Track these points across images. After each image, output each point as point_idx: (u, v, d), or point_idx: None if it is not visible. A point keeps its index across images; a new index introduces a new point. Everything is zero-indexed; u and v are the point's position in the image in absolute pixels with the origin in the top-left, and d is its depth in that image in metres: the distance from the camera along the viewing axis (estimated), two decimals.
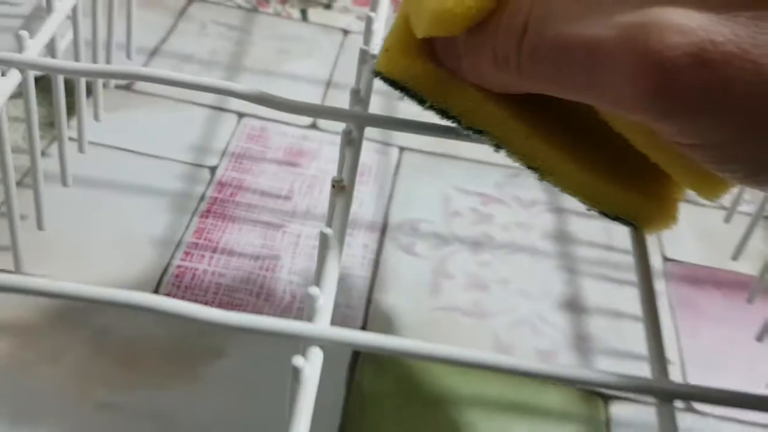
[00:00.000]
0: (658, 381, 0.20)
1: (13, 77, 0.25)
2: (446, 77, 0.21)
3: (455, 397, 0.29)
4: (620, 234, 0.36)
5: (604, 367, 0.30)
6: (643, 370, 0.21)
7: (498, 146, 0.22)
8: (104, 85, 0.37)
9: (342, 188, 0.22)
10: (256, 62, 0.42)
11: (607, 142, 0.21)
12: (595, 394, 0.30)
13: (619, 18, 0.17)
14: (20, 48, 0.25)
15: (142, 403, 0.27)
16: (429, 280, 0.33)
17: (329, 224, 0.22)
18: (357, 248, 0.34)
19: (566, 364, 0.30)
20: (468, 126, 0.22)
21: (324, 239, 0.21)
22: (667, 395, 0.20)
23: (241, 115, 0.39)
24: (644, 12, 0.16)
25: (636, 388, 0.20)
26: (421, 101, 0.22)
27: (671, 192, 0.22)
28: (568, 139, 0.22)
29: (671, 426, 0.19)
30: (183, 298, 0.30)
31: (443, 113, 0.22)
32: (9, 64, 0.25)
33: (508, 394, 0.29)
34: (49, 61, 0.25)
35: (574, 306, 0.33)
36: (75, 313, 0.29)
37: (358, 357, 0.30)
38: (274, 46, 0.44)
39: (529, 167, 0.22)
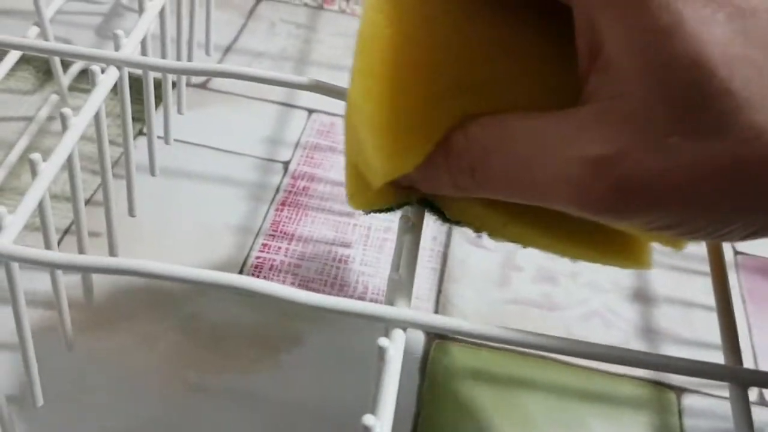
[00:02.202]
0: (732, 368, 0.20)
1: (112, 74, 0.26)
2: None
3: (529, 386, 0.30)
4: None
5: None
6: (715, 361, 0.21)
7: (478, 232, 0.23)
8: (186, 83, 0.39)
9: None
10: (324, 58, 0.43)
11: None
12: (668, 386, 0.30)
13: (556, 152, 0.18)
14: (116, 46, 0.27)
15: (230, 385, 0.28)
16: (498, 272, 0.34)
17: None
18: (426, 240, 0.35)
19: (642, 350, 0.30)
20: (451, 219, 0.23)
21: (403, 221, 0.22)
22: (742, 382, 0.20)
23: (310, 111, 0.40)
24: (575, 147, 0.18)
25: (711, 374, 0.20)
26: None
27: (643, 245, 0.23)
28: (544, 218, 0.22)
29: (745, 413, 0.19)
30: None
31: (432, 207, 0.23)
32: (108, 61, 0.26)
33: (581, 385, 0.30)
34: (144, 59, 0.26)
35: (644, 297, 0.33)
36: (166, 301, 0.31)
37: (431, 346, 0.31)
38: (341, 43, 0.45)
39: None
